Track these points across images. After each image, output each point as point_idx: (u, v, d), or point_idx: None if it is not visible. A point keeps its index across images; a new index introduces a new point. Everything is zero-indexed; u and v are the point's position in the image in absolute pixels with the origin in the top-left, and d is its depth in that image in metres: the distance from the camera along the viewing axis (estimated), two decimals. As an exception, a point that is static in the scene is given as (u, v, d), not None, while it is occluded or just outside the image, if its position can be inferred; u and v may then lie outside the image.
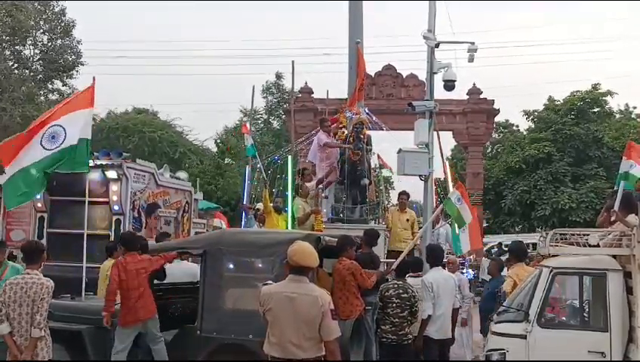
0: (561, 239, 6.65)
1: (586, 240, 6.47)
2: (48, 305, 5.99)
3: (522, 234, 34.20)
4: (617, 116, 36.48)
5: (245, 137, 12.43)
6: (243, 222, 14.37)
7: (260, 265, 7.44)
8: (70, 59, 28.89)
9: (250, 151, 12.54)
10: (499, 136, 40.19)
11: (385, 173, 16.47)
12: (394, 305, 7.60)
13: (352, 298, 7.22)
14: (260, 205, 11.72)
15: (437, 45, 10.12)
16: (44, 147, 8.37)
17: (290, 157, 11.92)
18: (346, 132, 12.24)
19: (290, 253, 4.81)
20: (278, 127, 43.43)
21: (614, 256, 6.38)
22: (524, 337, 6.36)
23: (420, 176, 10.33)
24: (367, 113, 14.25)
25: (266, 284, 5.03)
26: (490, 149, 38.69)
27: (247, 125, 15.83)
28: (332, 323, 4.69)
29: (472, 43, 10.40)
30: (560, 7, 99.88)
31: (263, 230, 11.03)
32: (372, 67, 28.76)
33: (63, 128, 8.49)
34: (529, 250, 28.26)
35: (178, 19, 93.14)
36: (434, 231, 11.50)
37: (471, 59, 10.46)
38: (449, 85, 10.37)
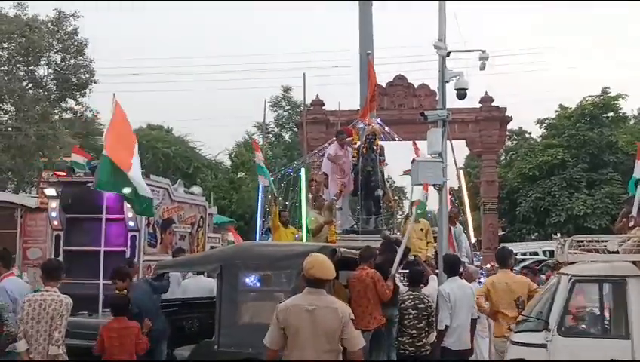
0: (579, 246, 6.58)
1: (605, 246, 6.40)
2: (66, 322, 5.99)
3: (538, 241, 34.05)
4: (632, 121, 36.25)
5: (256, 156, 12.48)
6: (257, 236, 14.37)
7: (277, 278, 7.42)
8: (84, 77, 29.13)
9: (260, 170, 12.59)
10: (512, 143, 40.04)
11: (398, 183, 16.42)
12: (411, 316, 7.55)
13: (372, 308, 7.16)
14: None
15: (448, 54, 10.05)
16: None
17: (303, 169, 11.91)
18: (359, 143, 12.26)
19: (306, 265, 4.77)
20: (289, 140, 43.54)
21: (634, 263, 6.29)
22: (545, 346, 6.27)
23: (434, 185, 10.25)
24: (380, 124, 14.28)
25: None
26: (503, 157, 38.54)
27: (258, 141, 15.72)
28: (355, 332, 4.67)
29: (483, 51, 10.34)
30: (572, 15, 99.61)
31: (278, 243, 11.02)
32: (383, 78, 28.82)
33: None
34: (546, 258, 28.01)
35: (189, 35, 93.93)
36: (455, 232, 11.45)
37: (482, 67, 10.39)
38: (461, 94, 10.28)
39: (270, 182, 12.26)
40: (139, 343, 6.71)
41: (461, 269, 8.63)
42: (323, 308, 4.64)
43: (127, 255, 11.49)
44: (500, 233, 33.13)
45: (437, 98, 11.01)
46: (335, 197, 11.70)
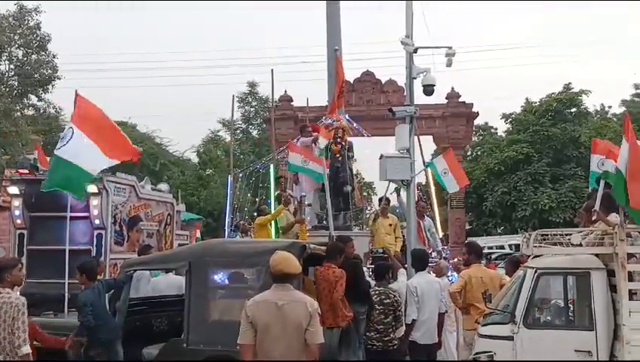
0: (544, 239, 6.70)
1: (569, 239, 6.53)
2: (24, 323, 5.83)
3: (505, 235, 34.55)
4: (595, 117, 36.97)
5: (290, 155, 11.69)
6: (226, 233, 14.31)
7: (246, 275, 7.40)
8: (46, 73, 28.61)
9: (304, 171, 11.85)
10: (478, 139, 40.53)
11: (367, 178, 16.49)
12: (377, 311, 7.59)
13: (340, 305, 7.17)
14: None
15: (415, 50, 10.16)
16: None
17: (272, 166, 11.88)
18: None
19: (272, 262, 4.84)
20: (257, 136, 43.40)
21: (597, 255, 6.43)
22: (511, 339, 6.38)
23: (402, 181, 10.35)
24: (348, 120, 14.34)
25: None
26: (470, 152, 38.99)
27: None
28: (318, 327, 4.72)
29: (450, 47, 10.46)
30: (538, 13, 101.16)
31: (247, 240, 11.00)
32: (351, 74, 28.91)
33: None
34: (512, 251, 28.40)
35: (153, 30, 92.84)
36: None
37: (449, 64, 10.51)
38: (428, 90, 10.40)
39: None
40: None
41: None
42: (292, 302, 4.69)
43: (93, 253, 11.30)
44: (467, 227, 33.55)
45: (405, 94, 11.10)
46: (304, 193, 11.73)
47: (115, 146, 8.83)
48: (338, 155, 12.16)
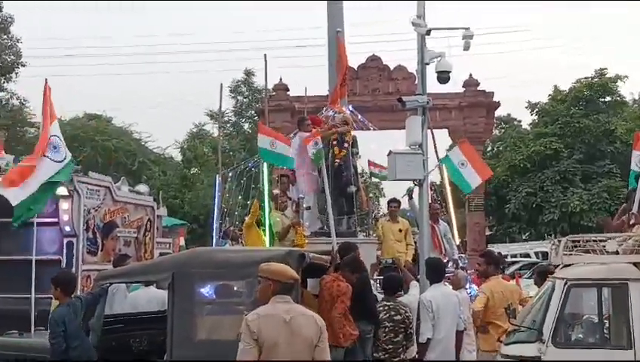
0: (575, 247, 6.70)
1: (604, 246, 6.52)
2: None
3: (530, 242, 34.58)
4: (632, 106, 36.81)
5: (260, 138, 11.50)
6: (214, 241, 14.31)
7: (237, 288, 7.41)
8: (9, 59, 28.64)
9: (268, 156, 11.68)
10: (500, 132, 40.54)
11: (374, 178, 16.49)
12: (386, 329, 7.60)
13: (345, 321, 7.18)
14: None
15: (428, 32, 10.12)
16: (52, 159, 9.11)
17: (266, 163, 11.88)
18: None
19: (269, 273, 4.90)
20: (250, 130, 43.46)
21: (635, 264, 6.43)
22: (538, 359, 6.38)
23: (413, 181, 10.34)
24: (352, 111, 14.31)
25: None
26: (490, 148, 39.00)
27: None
28: (327, 344, 4.83)
29: (467, 28, 10.44)
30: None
31: (238, 248, 11.00)
32: (355, 59, 28.94)
33: (59, 138, 9.35)
34: (538, 260, 28.50)
35: (133, 13, 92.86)
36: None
37: (467, 47, 10.49)
38: (443, 77, 10.36)
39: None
40: None
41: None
42: (300, 316, 4.77)
43: (63, 264, 11.35)
44: (487, 233, 33.58)
45: (416, 82, 11.09)
46: (303, 195, 11.71)
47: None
48: (339, 160, 12.12)
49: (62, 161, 9.37)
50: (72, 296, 7.40)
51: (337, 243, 10.02)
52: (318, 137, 11.16)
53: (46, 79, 8.97)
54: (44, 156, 9.40)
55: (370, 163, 14.82)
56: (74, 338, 7.01)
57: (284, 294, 4.83)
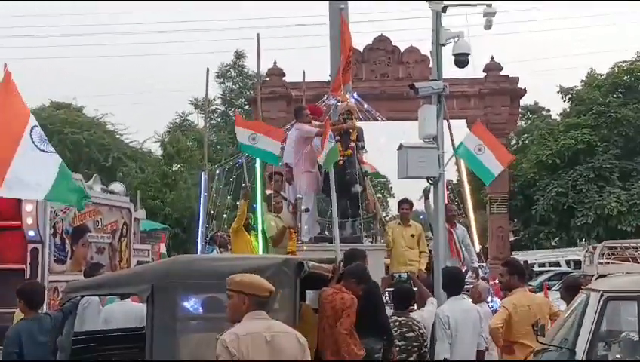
0: (613, 254, 6.70)
1: (645, 254, 6.53)
2: None
3: (560, 249, 34.58)
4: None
5: (238, 131, 11.72)
6: (199, 248, 14.35)
7: (225, 302, 7.40)
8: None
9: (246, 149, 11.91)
10: (525, 123, 40.54)
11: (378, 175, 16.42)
12: (398, 348, 7.60)
13: (350, 339, 7.19)
14: None
15: (444, 9, 10.15)
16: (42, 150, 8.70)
17: (258, 160, 11.88)
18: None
19: (243, 286, 4.96)
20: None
21: (682, 274, 6.43)
22: (572, 382, 6.38)
23: (427, 178, 10.36)
24: (357, 99, 14.33)
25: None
26: (514, 141, 39.00)
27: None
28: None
29: (489, 5, 10.46)
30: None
31: (226, 256, 11.01)
32: (360, 39, 28.92)
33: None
34: (570, 269, 28.58)
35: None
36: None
37: (488, 26, 10.51)
38: (461, 60, 10.38)
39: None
40: None
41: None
42: (281, 334, 4.85)
43: (27, 274, 11.37)
44: (512, 238, 33.56)
45: (430, 66, 11.11)
46: (301, 196, 11.73)
47: None
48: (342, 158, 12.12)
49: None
50: (39, 310, 7.39)
51: (341, 249, 10.06)
52: (330, 131, 11.15)
53: (5, 63, 8.90)
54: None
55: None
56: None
57: (260, 309, 4.90)
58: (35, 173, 8.53)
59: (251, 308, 4.89)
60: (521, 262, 8.77)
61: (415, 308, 8.44)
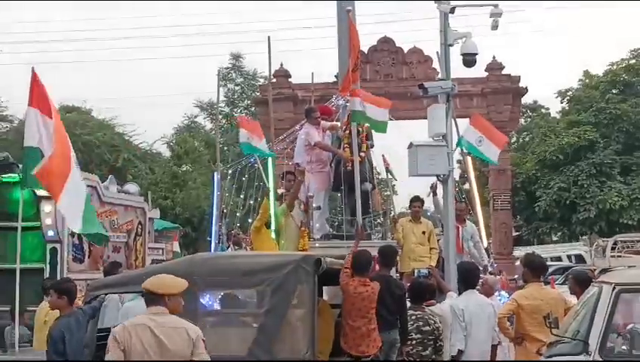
0: (625, 247, 6.70)
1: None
2: None
3: (562, 244, 34.54)
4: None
5: (241, 133, 12.25)
6: (212, 246, 14.35)
7: (244, 298, 7.45)
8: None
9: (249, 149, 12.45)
10: (526, 121, 40.48)
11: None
12: (414, 341, 7.63)
13: (373, 327, 7.25)
14: None
15: (452, 10, 10.17)
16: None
17: (270, 159, 11.92)
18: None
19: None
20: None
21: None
22: (584, 373, 6.39)
23: (437, 176, 10.38)
24: (364, 99, 14.31)
25: None
26: (515, 139, 38.94)
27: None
28: (206, 356, 5.18)
29: (496, 5, 10.48)
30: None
31: (246, 253, 11.01)
32: (365, 41, 28.82)
33: None
34: (572, 264, 28.49)
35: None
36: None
37: (495, 27, 10.53)
38: (469, 60, 10.41)
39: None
40: None
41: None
42: (170, 328, 5.08)
43: (47, 273, 11.41)
44: (515, 234, 33.52)
45: (433, 65, 11.15)
46: (312, 194, 11.73)
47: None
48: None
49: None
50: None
51: (348, 246, 10.07)
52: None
53: (33, 67, 8.90)
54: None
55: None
56: (74, 357, 7.03)
57: (156, 304, 5.18)
58: (77, 196, 8.64)
59: (149, 304, 5.23)
60: (537, 256, 8.69)
61: (435, 302, 8.45)
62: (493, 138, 11.60)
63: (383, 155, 13.53)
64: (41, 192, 11.75)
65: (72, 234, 12.03)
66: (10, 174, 11.82)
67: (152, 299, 5.25)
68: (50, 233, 11.72)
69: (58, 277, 11.25)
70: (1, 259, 11.23)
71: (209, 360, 5.22)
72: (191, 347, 5.09)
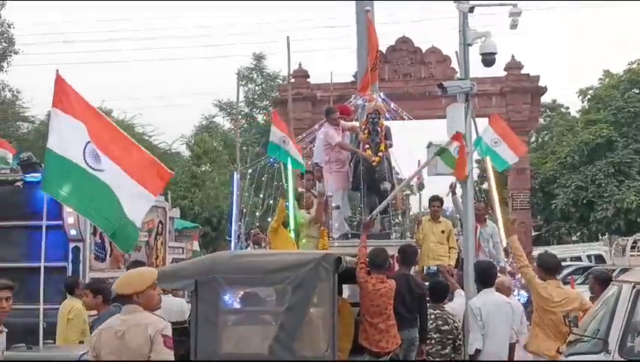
0: (644, 246, 6.71)
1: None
2: None
3: (581, 244, 34.35)
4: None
5: (273, 131, 12.22)
6: (232, 245, 14.43)
7: (266, 296, 7.49)
8: (0, 47, 28.97)
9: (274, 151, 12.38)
10: (545, 120, 40.33)
11: (406, 173, 16.44)
12: (433, 341, 7.66)
13: (391, 324, 7.29)
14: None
15: (471, 10, 10.14)
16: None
17: (289, 159, 11.97)
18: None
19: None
20: (265, 122, 43.62)
21: None
22: (604, 372, 6.40)
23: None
24: (384, 99, 14.32)
25: None
26: (534, 138, 38.80)
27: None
28: (165, 351, 5.01)
29: (515, 5, 10.45)
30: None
31: (267, 251, 11.07)
32: (383, 41, 28.80)
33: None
34: (591, 263, 28.36)
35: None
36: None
37: (514, 26, 10.51)
38: (488, 59, 10.36)
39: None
40: None
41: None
42: (133, 327, 5.01)
43: (69, 272, 11.48)
44: (534, 233, 33.40)
45: (451, 65, 11.16)
46: (331, 193, 11.79)
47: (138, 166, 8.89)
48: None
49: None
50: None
51: (369, 245, 10.10)
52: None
53: (57, 70, 8.91)
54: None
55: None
56: None
57: (123, 304, 5.19)
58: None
59: (123, 305, 5.22)
60: (550, 255, 8.66)
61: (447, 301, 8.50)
62: (512, 143, 11.65)
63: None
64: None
65: (94, 233, 12.12)
66: (33, 174, 11.89)
67: (122, 300, 5.24)
68: (73, 232, 11.76)
69: (80, 276, 11.34)
70: (26, 257, 11.28)
71: (168, 356, 5.05)
72: (149, 344, 4.97)
